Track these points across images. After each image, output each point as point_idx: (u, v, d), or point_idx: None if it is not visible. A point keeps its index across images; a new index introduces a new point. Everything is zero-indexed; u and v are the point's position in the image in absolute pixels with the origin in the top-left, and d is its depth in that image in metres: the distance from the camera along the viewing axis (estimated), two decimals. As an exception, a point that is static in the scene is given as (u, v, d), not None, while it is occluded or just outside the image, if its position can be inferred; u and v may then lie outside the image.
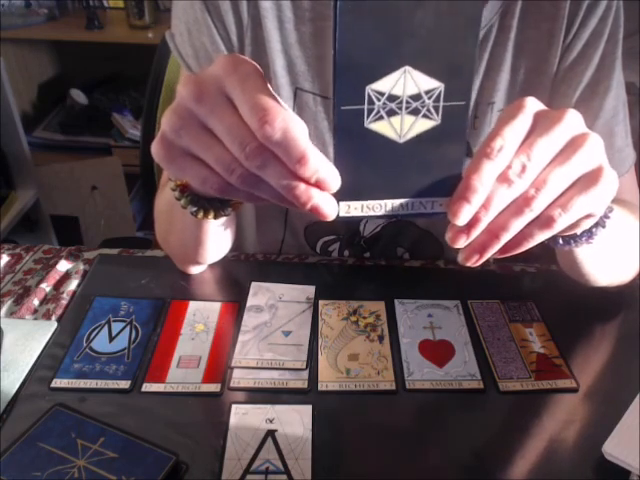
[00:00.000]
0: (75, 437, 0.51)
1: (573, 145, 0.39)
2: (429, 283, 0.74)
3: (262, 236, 0.83)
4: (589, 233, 0.48)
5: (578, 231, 0.46)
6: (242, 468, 0.50)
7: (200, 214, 0.48)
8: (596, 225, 0.48)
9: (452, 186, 0.37)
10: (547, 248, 0.53)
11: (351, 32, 0.33)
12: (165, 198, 0.65)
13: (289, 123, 0.34)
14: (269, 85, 0.37)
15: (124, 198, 1.89)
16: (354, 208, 0.38)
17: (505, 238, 0.39)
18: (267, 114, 0.34)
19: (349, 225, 0.78)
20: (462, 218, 0.37)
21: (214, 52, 0.64)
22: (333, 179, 0.36)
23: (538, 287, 0.74)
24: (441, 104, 0.35)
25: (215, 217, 0.48)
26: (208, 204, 0.48)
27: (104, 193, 1.87)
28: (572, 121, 0.39)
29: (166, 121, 0.40)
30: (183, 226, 0.62)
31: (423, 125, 0.36)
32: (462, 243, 0.39)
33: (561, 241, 0.49)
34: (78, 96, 2.07)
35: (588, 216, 0.43)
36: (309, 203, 0.36)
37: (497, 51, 0.66)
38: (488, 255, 0.39)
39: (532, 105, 0.40)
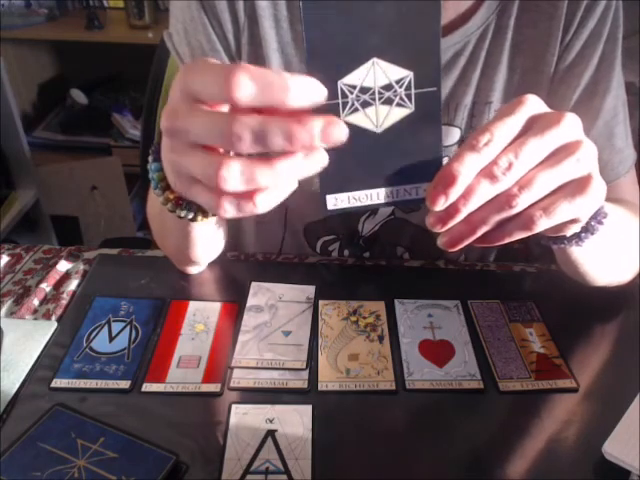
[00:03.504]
0: (75, 437, 0.51)
1: (566, 150, 0.39)
2: (429, 283, 0.73)
3: (262, 236, 0.82)
4: (577, 237, 0.48)
5: (567, 233, 0.46)
6: (242, 468, 0.50)
7: (191, 216, 0.48)
8: (585, 230, 0.48)
9: (434, 171, 0.38)
10: (547, 248, 0.53)
11: (317, 30, 0.34)
12: (155, 203, 0.64)
13: (253, 71, 0.32)
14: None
15: (124, 198, 1.88)
16: (341, 200, 0.39)
17: (482, 230, 0.39)
18: (230, 76, 0.31)
19: (347, 224, 0.78)
20: (438, 205, 0.37)
21: (210, 51, 0.64)
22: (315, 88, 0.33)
23: (538, 287, 0.74)
24: (413, 92, 0.36)
25: (209, 216, 0.48)
26: (199, 208, 0.47)
27: (104, 193, 1.87)
28: (569, 125, 0.39)
29: (164, 160, 0.40)
30: (176, 230, 0.62)
31: (398, 113, 0.37)
32: (440, 229, 0.39)
33: (549, 240, 0.49)
34: (78, 96, 2.07)
35: (572, 221, 0.43)
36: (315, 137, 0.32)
37: (494, 50, 0.66)
38: (465, 243, 0.40)
39: (532, 104, 0.39)
